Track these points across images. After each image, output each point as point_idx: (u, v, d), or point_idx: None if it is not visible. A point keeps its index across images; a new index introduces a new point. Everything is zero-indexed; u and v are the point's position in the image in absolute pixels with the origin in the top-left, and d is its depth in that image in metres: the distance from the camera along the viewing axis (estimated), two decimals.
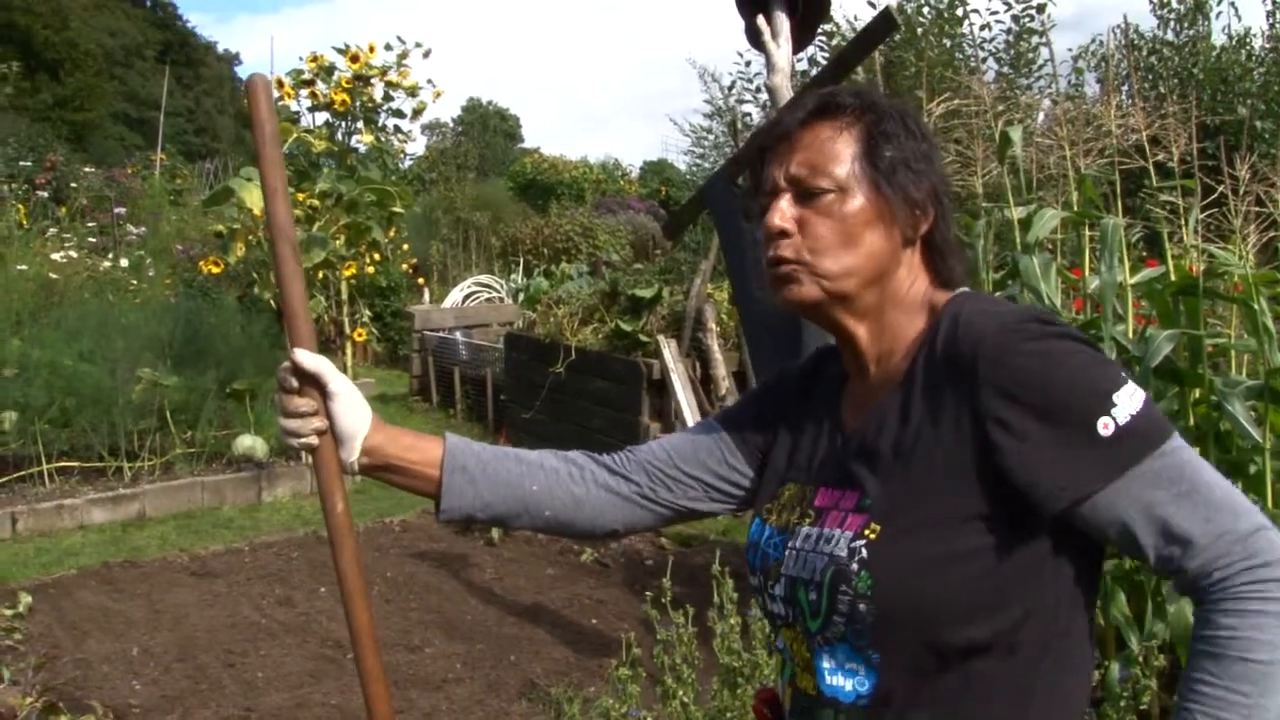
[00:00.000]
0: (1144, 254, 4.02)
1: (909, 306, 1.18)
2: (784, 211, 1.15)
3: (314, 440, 1.23)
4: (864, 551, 1.07)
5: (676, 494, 1.35)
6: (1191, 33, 10.82)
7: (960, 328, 1.08)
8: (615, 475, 1.36)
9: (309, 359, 1.22)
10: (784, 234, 1.15)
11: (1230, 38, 10.66)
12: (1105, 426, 1.00)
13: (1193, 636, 1.00)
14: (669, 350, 6.56)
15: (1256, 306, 2.91)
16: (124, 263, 9.14)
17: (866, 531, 1.08)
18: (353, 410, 1.25)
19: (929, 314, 1.17)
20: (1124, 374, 1.04)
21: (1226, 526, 0.98)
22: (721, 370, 6.63)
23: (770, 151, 1.19)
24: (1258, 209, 3.13)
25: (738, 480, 1.35)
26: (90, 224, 10.97)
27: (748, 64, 11.27)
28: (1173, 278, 3.09)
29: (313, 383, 1.23)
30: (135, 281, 8.53)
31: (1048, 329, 1.05)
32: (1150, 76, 10.42)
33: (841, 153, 1.15)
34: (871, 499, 1.11)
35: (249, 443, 6.53)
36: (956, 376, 1.07)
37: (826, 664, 1.12)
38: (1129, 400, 1.01)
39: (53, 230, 10.10)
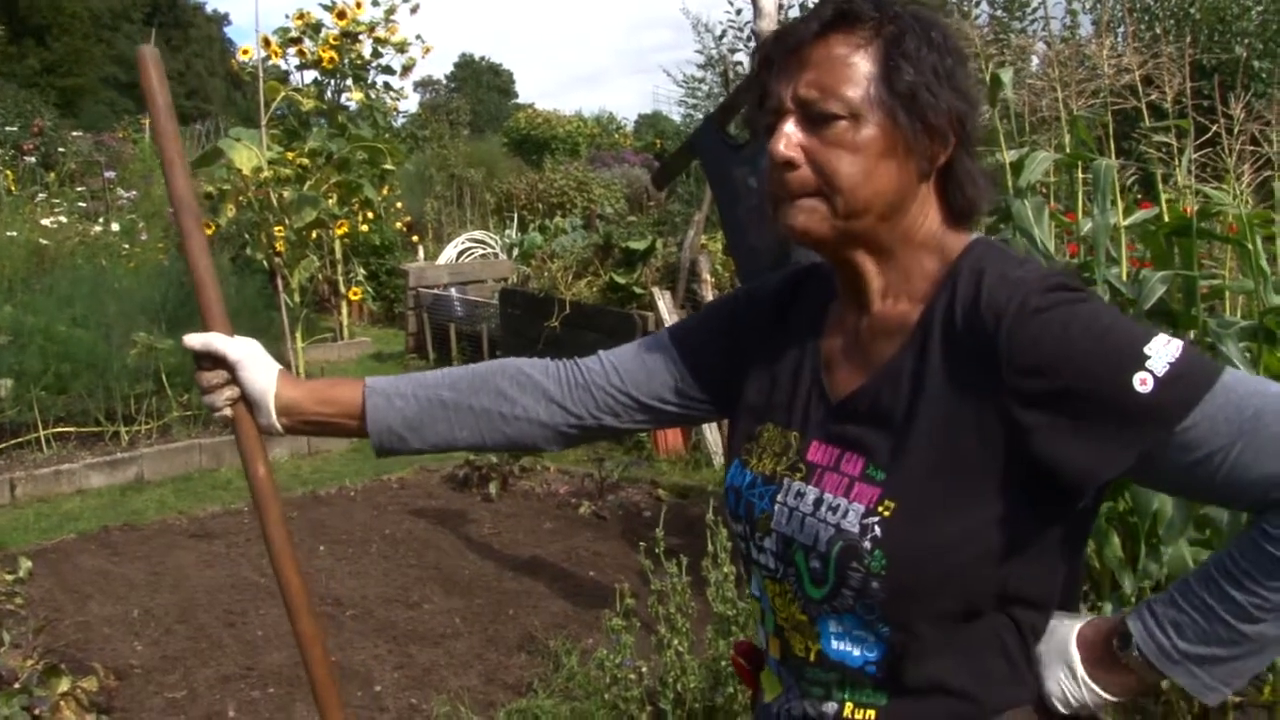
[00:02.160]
0: (1138, 197, 3.98)
1: (920, 244, 1.10)
2: (790, 138, 1.05)
3: (228, 411, 1.29)
4: (878, 530, 1.02)
5: (623, 419, 1.31)
6: None
7: (983, 294, 1.01)
8: (553, 405, 1.31)
9: (195, 339, 1.27)
10: (790, 164, 1.06)
11: None
12: (1143, 382, 0.93)
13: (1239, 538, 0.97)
14: (664, 302, 6.53)
15: (1251, 247, 2.88)
16: (115, 227, 9.08)
17: (880, 509, 1.02)
18: (258, 373, 1.28)
19: (940, 256, 1.09)
20: (1155, 329, 0.98)
21: None
22: None
23: (778, 64, 1.08)
24: (1252, 148, 3.09)
25: (689, 408, 1.31)
26: (80, 189, 10.89)
27: (738, 12, 11.20)
28: (1166, 219, 3.06)
29: (213, 357, 1.27)
30: (127, 246, 8.48)
31: (1073, 296, 0.99)
32: (1146, 17, 10.30)
33: (856, 74, 1.04)
34: (884, 472, 1.04)
35: None
36: (978, 349, 1.00)
37: (833, 629, 1.08)
38: (1164, 350, 0.94)
39: (42, 196, 10.03)
